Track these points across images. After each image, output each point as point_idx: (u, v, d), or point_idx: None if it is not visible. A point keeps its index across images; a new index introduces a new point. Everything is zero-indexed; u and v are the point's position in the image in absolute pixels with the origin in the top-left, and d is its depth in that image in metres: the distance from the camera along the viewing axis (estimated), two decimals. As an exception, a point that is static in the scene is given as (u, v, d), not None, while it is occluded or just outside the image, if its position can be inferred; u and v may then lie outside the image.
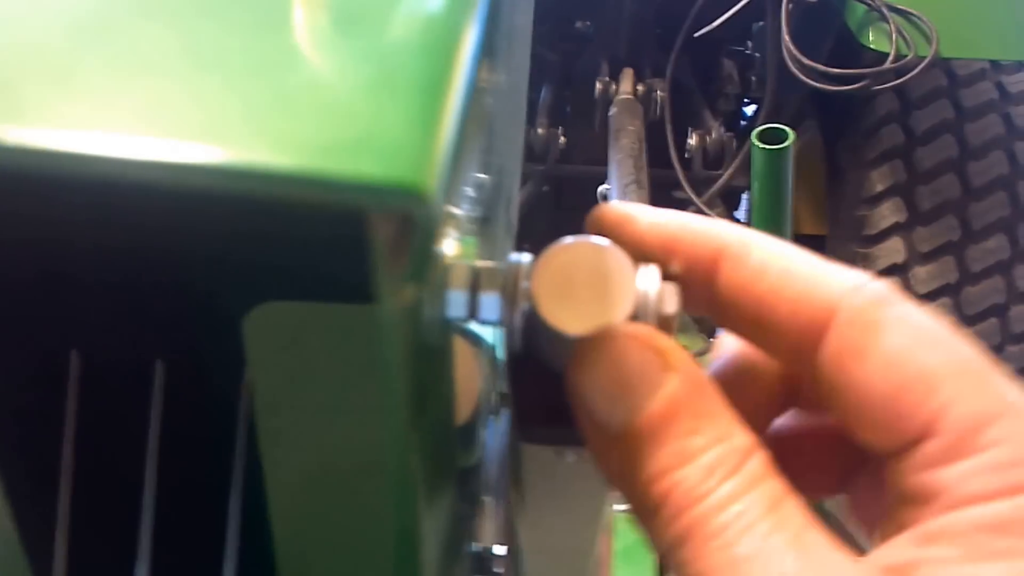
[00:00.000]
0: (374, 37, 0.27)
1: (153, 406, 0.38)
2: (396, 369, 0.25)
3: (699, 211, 1.86)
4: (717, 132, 1.96)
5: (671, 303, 0.30)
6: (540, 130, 1.97)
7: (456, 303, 0.31)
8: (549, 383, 0.32)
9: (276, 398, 0.32)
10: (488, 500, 0.55)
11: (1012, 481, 0.26)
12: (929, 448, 0.27)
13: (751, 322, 0.31)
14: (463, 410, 0.41)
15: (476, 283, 0.32)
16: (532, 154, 1.98)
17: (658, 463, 0.28)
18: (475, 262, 0.32)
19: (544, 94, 2.06)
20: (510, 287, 0.31)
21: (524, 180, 1.99)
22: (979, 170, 1.77)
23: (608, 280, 0.30)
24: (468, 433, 0.45)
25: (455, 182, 0.27)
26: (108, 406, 0.38)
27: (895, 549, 0.27)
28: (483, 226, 0.40)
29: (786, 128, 1.28)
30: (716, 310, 0.32)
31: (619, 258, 0.30)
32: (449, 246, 0.30)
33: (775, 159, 1.29)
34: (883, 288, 0.30)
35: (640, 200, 1.61)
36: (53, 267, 0.35)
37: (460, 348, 0.38)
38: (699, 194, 1.90)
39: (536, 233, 1.87)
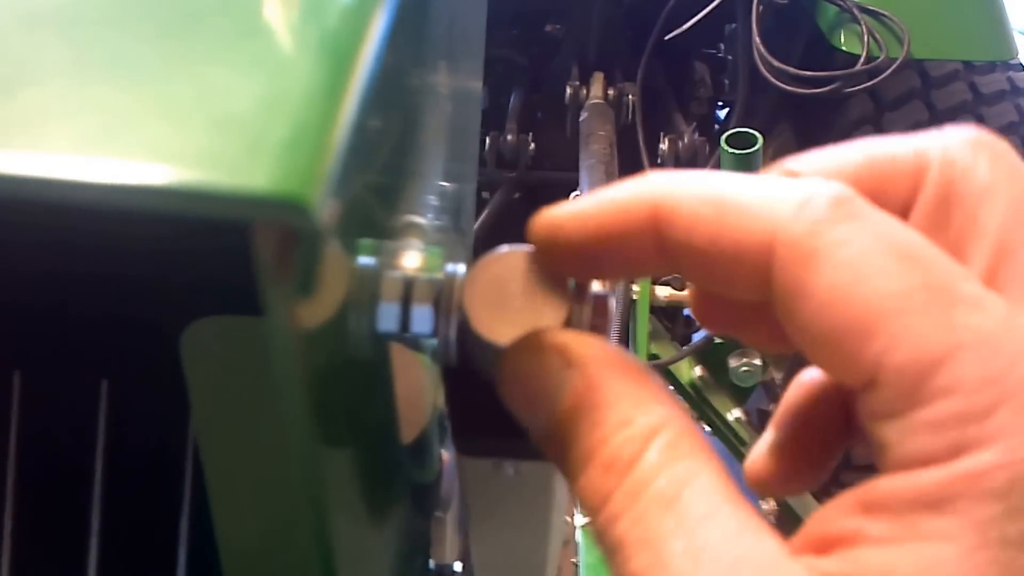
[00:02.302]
0: (270, 46, 0.26)
1: (99, 424, 0.38)
2: (293, 382, 0.25)
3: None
4: (689, 136, 1.96)
5: (601, 310, 0.30)
6: (510, 136, 1.96)
7: (387, 316, 0.31)
8: (485, 394, 0.32)
9: (210, 412, 0.32)
10: (444, 515, 0.54)
11: (952, 442, 0.23)
12: (875, 398, 0.24)
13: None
14: (412, 426, 0.41)
15: (408, 295, 0.31)
16: (502, 160, 1.96)
17: (572, 465, 0.27)
18: (407, 273, 0.31)
19: (514, 99, 2.05)
20: (444, 299, 0.31)
21: (494, 187, 1.98)
22: (953, 172, 1.77)
23: (540, 289, 0.30)
24: (421, 448, 0.45)
25: (363, 190, 0.26)
26: (53, 425, 0.38)
27: (838, 512, 0.25)
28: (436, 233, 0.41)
29: (755, 132, 1.28)
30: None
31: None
32: (410, 258, 0.30)
33: (744, 163, 1.30)
34: (828, 201, 0.25)
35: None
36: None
37: (406, 361, 0.38)
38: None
39: (507, 241, 1.85)
